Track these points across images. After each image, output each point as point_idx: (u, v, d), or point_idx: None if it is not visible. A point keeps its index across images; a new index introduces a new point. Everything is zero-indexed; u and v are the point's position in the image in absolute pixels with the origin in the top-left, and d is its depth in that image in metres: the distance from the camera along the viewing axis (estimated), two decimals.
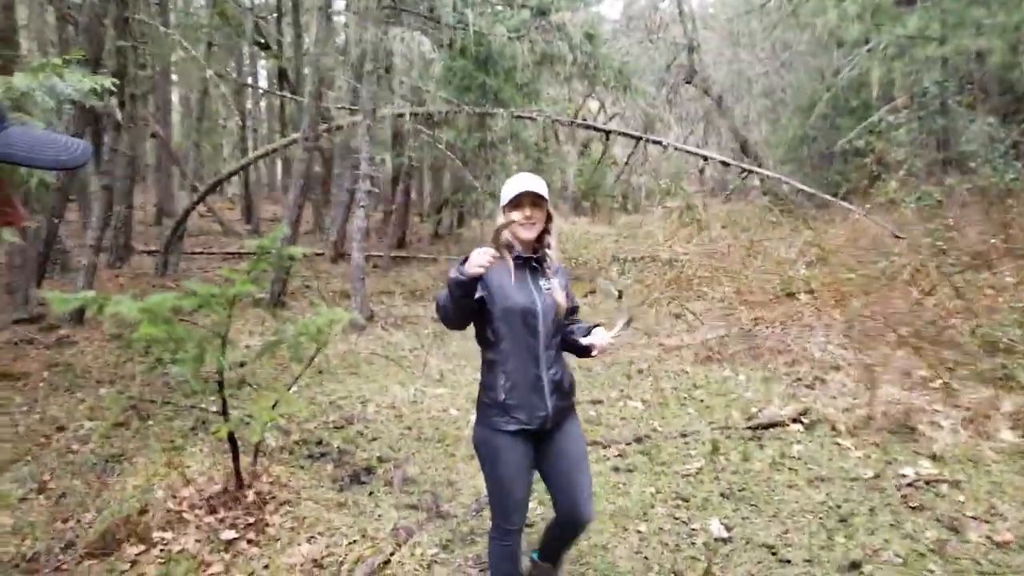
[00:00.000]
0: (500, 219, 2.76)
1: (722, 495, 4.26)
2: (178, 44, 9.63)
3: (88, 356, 7.32)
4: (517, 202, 2.69)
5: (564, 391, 2.80)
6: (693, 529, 3.87)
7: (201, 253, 14.44)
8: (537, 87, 13.22)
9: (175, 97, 26.72)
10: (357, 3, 8.92)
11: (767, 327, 7.86)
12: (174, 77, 23.59)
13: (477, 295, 2.66)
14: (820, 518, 3.93)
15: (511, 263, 2.72)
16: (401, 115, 9.97)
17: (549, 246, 2.80)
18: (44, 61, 4.20)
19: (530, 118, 10.91)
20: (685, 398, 6.19)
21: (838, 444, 4.96)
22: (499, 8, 11.82)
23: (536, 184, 2.69)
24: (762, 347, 7.33)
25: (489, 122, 11.22)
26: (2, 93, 4.04)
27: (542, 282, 2.75)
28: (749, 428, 5.33)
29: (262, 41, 20.18)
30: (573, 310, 2.95)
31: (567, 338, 2.85)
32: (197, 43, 13.15)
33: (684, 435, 5.26)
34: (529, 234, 2.71)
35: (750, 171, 11.21)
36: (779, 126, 21.46)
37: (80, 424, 5.46)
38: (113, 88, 4.83)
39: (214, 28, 14.74)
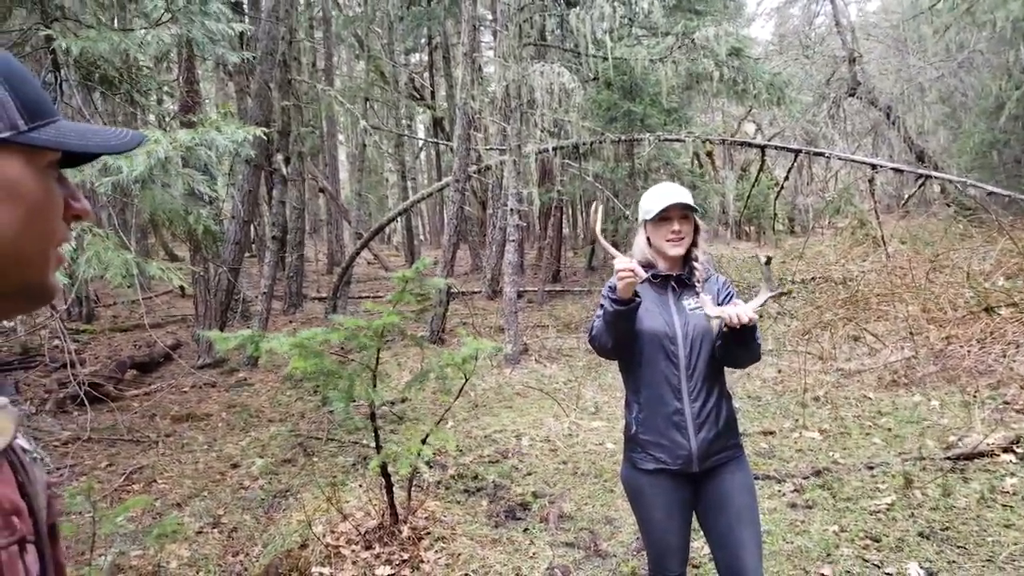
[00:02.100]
0: (641, 237, 2.50)
1: (920, 535, 3.72)
2: (335, 100, 10.27)
3: (262, 397, 7.73)
4: (664, 216, 2.39)
5: (718, 428, 2.37)
6: (887, 573, 3.39)
7: (367, 297, 15.09)
8: (687, 113, 12.87)
9: (342, 155, 28.54)
10: (502, 45, 9.06)
11: (962, 346, 7.00)
12: (341, 138, 25.23)
13: None
14: None
15: (647, 281, 2.43)
16: (545, 150, 9.98)
17: (696, 259, 2.46)
18: (203, 117, 4.51)
19: (679, 140, 10.57)
20: (869, 427, 5.58)
21: None
22: (643, 37, 11.67)
23: (683, 194, 2.39)
24: (958, 368, 6.53)
25: (637, 150, 11.00)
26: (172, 148, 4.34)
27: (688, 301, 2.41)
28: (948, 459, 4.68)
29: (417, 95, 21.16)
30: None
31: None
32: (355, 101, 13.94)
33: (870, 467, 4.71)
34: (678, 251, 2.41)
35: (928, 177, 10.20)
36: (961, 133, 19.65)
37: (252, 461, 5.71)
38: (266, 137, 5.10)
39: (371, 84, 15.59)
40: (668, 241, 2.40)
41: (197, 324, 9.34)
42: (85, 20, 5.81)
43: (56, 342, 9.06)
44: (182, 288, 13.21)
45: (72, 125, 0.76)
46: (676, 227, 2.38)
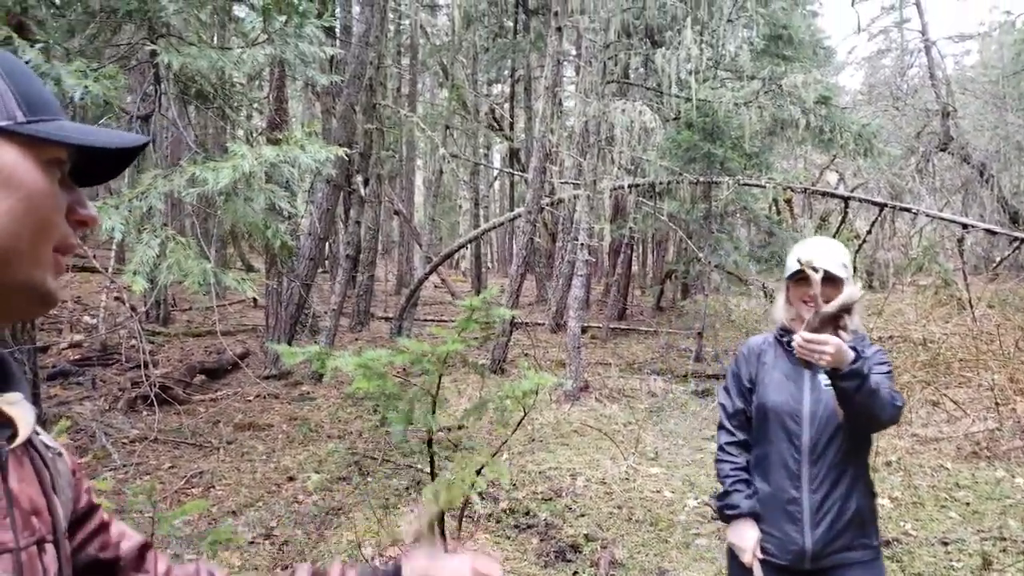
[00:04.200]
0: (781, 297, 2.28)
1: None
2: (417, 126, 10.49)
3: (323, 412, 7.81)
4: (800, 276, 2.13)
5: (841, 524, 2.08)
6: None
7: (432, 320, 15.20)
8: (768, 159, 12.65)
9: (419, 180, 29.08)
10: (584, 81, 9.11)
11: None
12: (419, 163, 25.71)
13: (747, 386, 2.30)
14: None
15: (783, 346, 2.25)
16: (620, 186, 9.94)
17: (845, 328, 2.10)
18: (288, 135, 4.64)
19: (759, 186, 10.39)
20: (945, 499, 5.28)
21: None
22: (728, 80, 11.57)
23: (827, 255, 2.12)
24: None
25: (715, 192, 10.86)
26: (257, 164, 4.46)
27: (824, 376, 2.11)
28: None
29: (496, 125, 21.44)
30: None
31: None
32: (436, 128, 14.22)
33: (945, 543, 4.44)
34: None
35: None
36: None
37: (308, 475, 5.76)
38: (347, 157, 5.21)
39: (452, 112, 15.91)
40: (804, 303, 2.15)
41: (266, 335, 9.55)
42: (188, 38, 6.08)
43: (133, 342, 9.39)
44: (255, 299, 13.57)
45: (75, 125, 0.75)
46: (815, 291, 2.06)
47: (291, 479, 5.76)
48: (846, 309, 2.04)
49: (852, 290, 2.03)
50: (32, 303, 0.74)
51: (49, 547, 0.75)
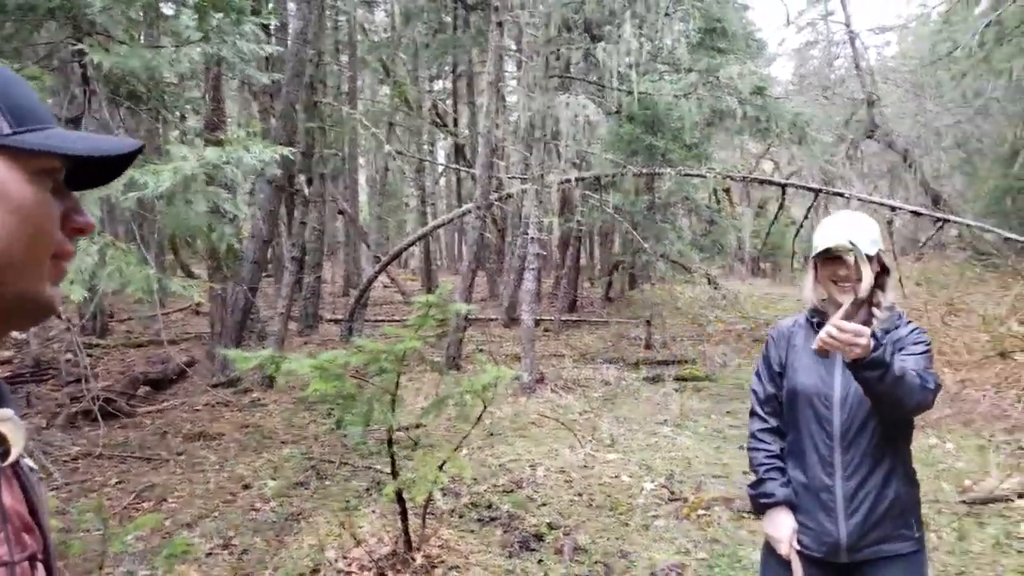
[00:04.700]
0: (809, 275, 2.16)
1: None
2: (360, 123, 10.37)
3: (276, 418, 7.69)
4: (832, 255, 2.02)
5: (878, 513, 1.98)
6: None
7: (384, 321, 15.03)
8: (708, 149, 12.91)
9: (362, 178, 28.75)
10: (527, 76, 9.14)
11: (977, 390, 7.03)
12: (361, 161, 25.39)
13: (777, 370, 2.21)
14: None
15: (811, 325, 2.15)
16: (567, 180, 10.02)
17: (878, 305, 2.03)
18: (230, 135, 4.55)
19: (699, 176, 10.61)
20: None
21: None
22: (666, 73, 11.74)
23: (852, 231, 1.99)
24: (973, 412, 6.54)
25: (657, 183, 11.04)
26: (199, 165, 4.36)
27: None
28: (963, 503, 4.73)
29: (439, 121, 21.33)
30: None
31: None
32: (379, 125, 14.09)
33: None
34: (846, 298, 1.96)
35: (946, 221, 10.18)
36: (976, 179, 19.69)
37: (264, 483, 5.67)
38: (292, 157, 5.14)
39: (395, 109, 15.79)
40: (834, 284, 2.04)
41: (212, 342, 9.34)
42: (117, 36, 5.89)
43: (69, 356, 9.07)
44: (198, 305, 13.25)
45: (64, 132, 0.73)
46: (843, 271, 2.00)
47: (247, 487, 5.65)
48: (877, 287, 1.98)
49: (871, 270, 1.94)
50: (29, 314, 0.74)
51: (40, 565, 0.74)
